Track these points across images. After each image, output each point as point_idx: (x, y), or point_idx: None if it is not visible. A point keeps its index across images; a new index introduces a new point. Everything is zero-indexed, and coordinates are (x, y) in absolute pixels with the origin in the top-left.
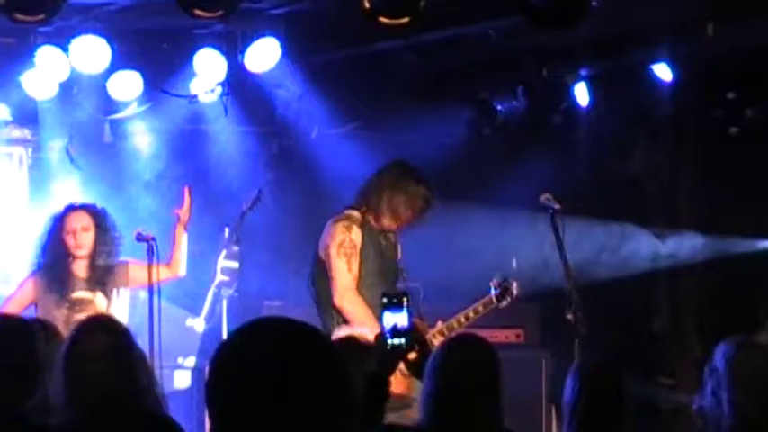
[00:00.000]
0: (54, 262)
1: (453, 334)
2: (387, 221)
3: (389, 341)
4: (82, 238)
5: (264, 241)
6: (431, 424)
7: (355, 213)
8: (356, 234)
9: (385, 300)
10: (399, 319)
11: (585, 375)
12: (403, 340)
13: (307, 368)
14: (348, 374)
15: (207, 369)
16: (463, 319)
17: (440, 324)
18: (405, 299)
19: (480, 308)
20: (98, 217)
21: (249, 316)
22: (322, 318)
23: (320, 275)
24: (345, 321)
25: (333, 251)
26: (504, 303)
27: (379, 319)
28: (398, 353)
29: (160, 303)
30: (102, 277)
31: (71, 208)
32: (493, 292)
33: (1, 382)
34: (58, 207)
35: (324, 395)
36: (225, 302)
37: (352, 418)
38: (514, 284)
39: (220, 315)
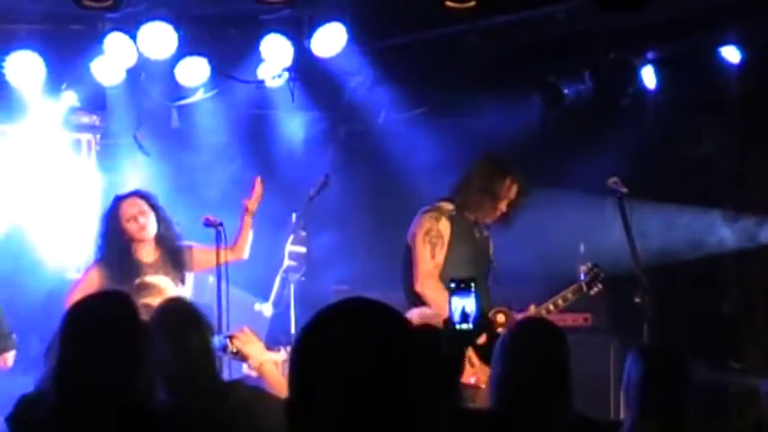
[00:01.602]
0: (116, 253)
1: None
2: (480, 214)
3: (457, 326)
4: (144, 220)
5: (332, 226)
6: (500, 409)
7: (448, 205)
8: (444, 224)
9: (453, 285)
10: (467, 303)
11: (649, 359)
12: (471, 325)
13: (385, 355)
14: (427, 360)
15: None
16: (552, 308)
17: (533, 308)
18: (472, 284)
19: (569, 295)
20: (150, 200)
21: (317, 301)
22: (409, 305)
23: (408, 264)
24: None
25: (418, 238)
26: (595, 290)
27: (448, 303)
28: (466, 337)
29: (228, 288)
30: (169, 260)
31: (120, 198)
32: (582, 278)
33: (106, 359)
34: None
35: (404, 383)
36: (292, 287)
37: (432, 407)
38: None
39: (288, 300)
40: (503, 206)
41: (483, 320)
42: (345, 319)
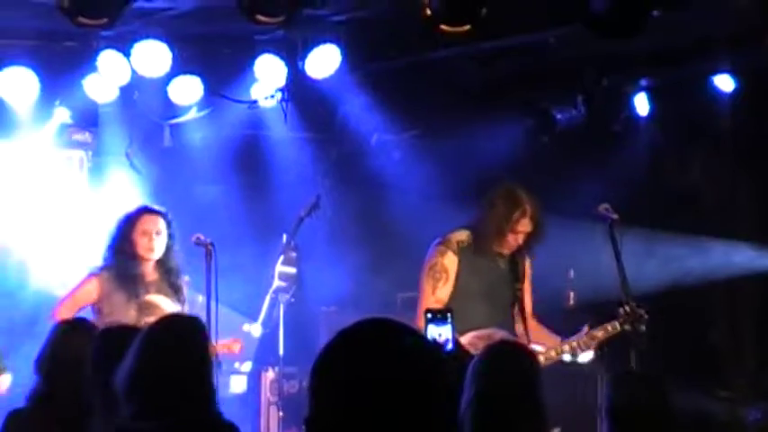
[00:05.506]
0: (124, 262)
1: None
2: (495, 245)
3: None
4: (156, 241)
5: (322, 248)
6: None
7: (460, 236)
8: (450, 259)
9: (429, 315)
10: (441, 332)
11: (619, 385)
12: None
13: (400, 372)
14: (442, 385)
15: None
16: (588, 339)
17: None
18: (448, 314)
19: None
20: (169, 225)
21: (306, 322)
22: None
23: None
24: None
25: (424, 273)
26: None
27: (424, 333)
28: None
29: (218, 308)
30: (167, 284)
31: (146, 210)
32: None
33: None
34: (128, 208)
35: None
36: (282, 308)
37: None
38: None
39: (277, 320)
40: (517, 239)
41: (457, 350)
42: (363, 336)
